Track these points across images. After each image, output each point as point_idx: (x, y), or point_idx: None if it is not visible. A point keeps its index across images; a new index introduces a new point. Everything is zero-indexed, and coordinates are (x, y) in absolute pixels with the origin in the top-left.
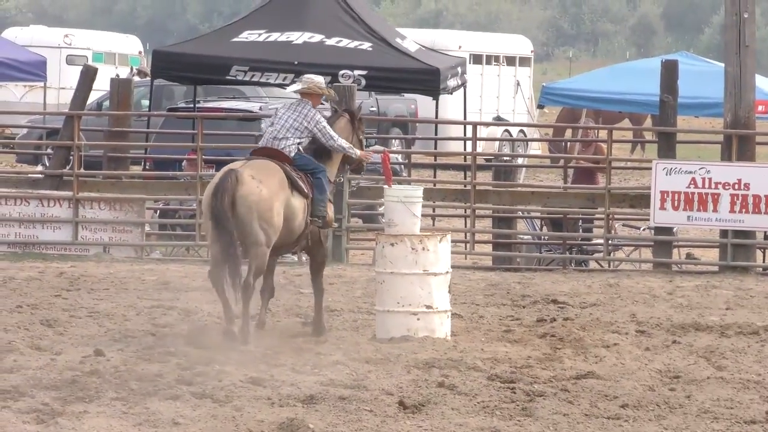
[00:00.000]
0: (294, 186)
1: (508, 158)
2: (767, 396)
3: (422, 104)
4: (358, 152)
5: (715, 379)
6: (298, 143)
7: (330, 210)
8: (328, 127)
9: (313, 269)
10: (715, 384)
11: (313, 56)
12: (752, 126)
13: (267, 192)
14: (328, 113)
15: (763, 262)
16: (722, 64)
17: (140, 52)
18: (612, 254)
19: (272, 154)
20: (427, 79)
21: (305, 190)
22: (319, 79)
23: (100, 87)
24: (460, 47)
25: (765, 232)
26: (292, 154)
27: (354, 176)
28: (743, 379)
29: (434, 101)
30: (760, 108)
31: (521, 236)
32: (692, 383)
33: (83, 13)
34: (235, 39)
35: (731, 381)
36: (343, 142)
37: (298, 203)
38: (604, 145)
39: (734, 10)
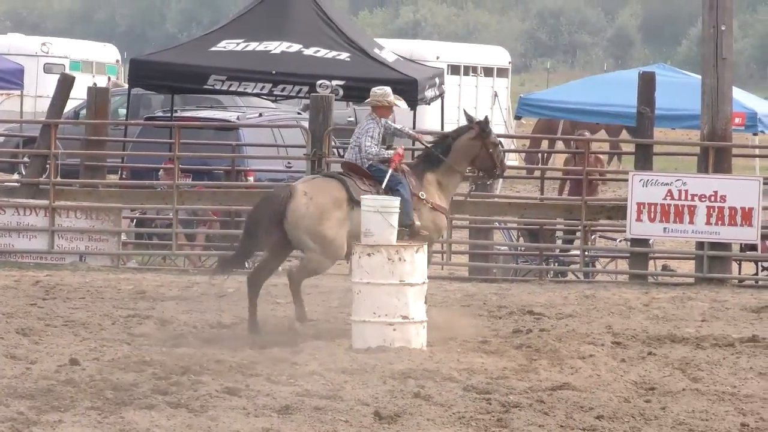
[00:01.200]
0: (355, 202)
1: None
2: (742, 408)
3: (400, 114)
4: (391, 153)
5: (691, 390)
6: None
7: (435, 219)
8: (367, 135)
9: None
10: (690, 396)
11: (291, 66)
12: (729, 138)
13: (315, 209)
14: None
15: (739, 274)
16: (699, 76)
17: (118, 61)
18: (589, 265)
19: (352, 168)
20: (404, 89)
21: None
22: (381, 91)
23: (78, 95)
24: (438, 58)
25: (741, 244)
26: (365, 166)
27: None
28: (718, 391)
29: (412, 112)
30: (736, 120)
31: (498, 247)
32: (667, 395)
33: (61, 21)
34: (213, 48)
35: (706, 393)
36: (373, 150)
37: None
38: (602, 156)
39: (712, 22)
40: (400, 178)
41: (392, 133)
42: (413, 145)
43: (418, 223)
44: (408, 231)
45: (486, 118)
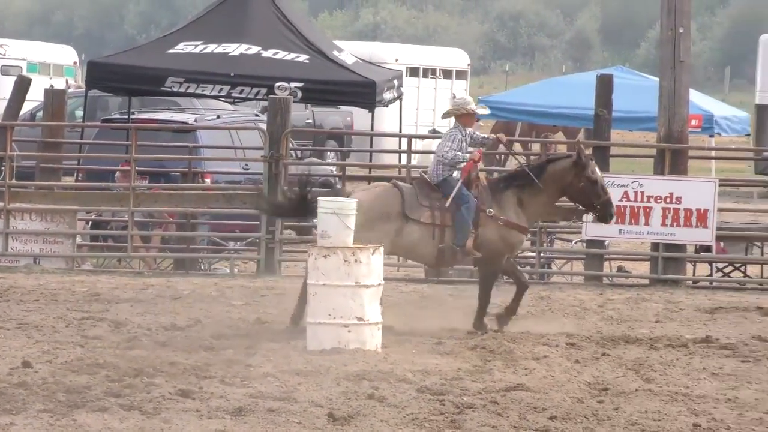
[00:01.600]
0: (408, 217)
1: None
2: (694, 408)
3: (358, 117)
4: (467, 156)
5: (644, 391)
6: (445, 171)
7: (505, 236)
8: (447, 141)
9: (479, 280)
10: (643, 396)
11: (250, 68)
12: (685, 140)
13: (360, 221)
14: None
15: (694, 275)
16: (657, 79)
17: (75, 63)
18: (544, 267)
19: (421, 180)
20: (363, 91)
21: (425, 220)
22: (461, 100)
23: (34, 97)
24: (397, 60)
25: (696, 245)
26: (436, 180)
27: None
28: (671, 392)
29: (370, 114)
30: (693, 122)
31: None
32: (621, 395)
33: (19, 23)
34: (171, 50)
35: (659, 393)
36: (452, 155)
37: (417, 232)
38: None
39: (670, 25)
40: (469, 197)
41: (480, 143)
42: (496, 149)
43: (469, 245)
44: (458, 250)
45: (585, 152)
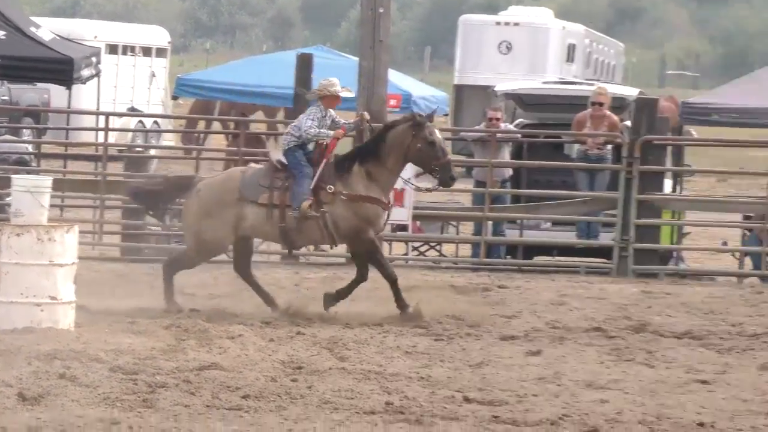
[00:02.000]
0: (246, 199)
1: (140, 149)
2: (387, 386)
3: (55, 94)
4: (331, 133)
5: (337, 369)
6: (292, 142)
7: (357, 210)
8: (308, 118)
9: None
10: (337, 375)
11: None
12: (384, 119)
13: (196, 209)
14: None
15: (390, 253)
16: (357, 59)
17: None
18: None
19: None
20: (60, 68)
21: (262, 201)
22: (326, 81)
23: None
24: (95, 37)
25: (392, 224)
26: (284, 149)
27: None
28: (365, 370)
29: (67, 91)
30: (392, 102)
31: (150, 227)
32: (314, 374)
33: None
34: None
35: (353, 372)
36: (314, 131)
37: (256, 214)
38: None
39: (370, 5)
40: (302, 166)
41: (339, 126)
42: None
43: (305, 206)
44: (296, 213)
45: (425, 113)
